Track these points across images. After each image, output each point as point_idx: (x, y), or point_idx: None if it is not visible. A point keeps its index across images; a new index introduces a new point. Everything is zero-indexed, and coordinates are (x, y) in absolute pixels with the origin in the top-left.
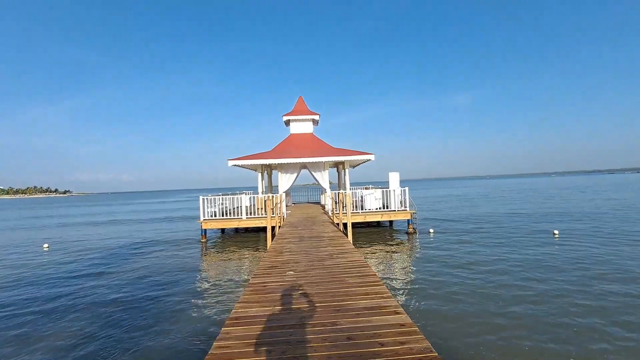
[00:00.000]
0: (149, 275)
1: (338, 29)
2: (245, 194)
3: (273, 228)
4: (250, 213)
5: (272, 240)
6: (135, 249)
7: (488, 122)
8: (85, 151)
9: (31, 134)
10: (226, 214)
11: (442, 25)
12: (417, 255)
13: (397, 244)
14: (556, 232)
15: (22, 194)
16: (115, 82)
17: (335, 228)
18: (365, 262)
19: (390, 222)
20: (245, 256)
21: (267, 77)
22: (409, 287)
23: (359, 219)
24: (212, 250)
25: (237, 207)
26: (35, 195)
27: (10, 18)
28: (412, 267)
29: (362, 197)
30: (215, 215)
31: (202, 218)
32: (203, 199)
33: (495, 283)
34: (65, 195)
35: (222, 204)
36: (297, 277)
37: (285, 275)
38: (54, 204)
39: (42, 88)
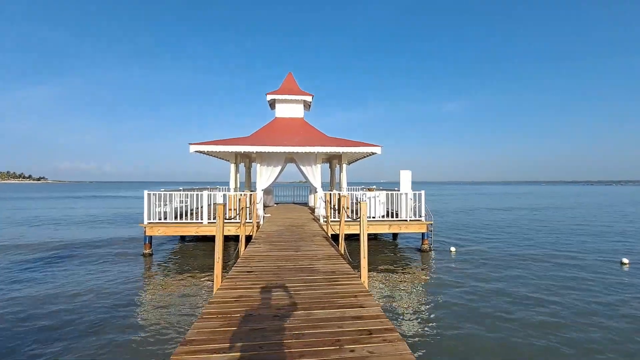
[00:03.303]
0: (33, 313)
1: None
2: (219, 190)
3: (235, 240)
4: (216, 217)
5: (223, 278)
6: (44, 261)
7: (474, 129)
8: (67, 139)
9: (10, 118)
10: (183, 216)
11: (433, 29)
12: (437, 284)
13: (407, 267)
14: (625, 260)
15: None
16: (105, 70)
17: (334, 249)
18: None
19: (394, 234)
20: (206, 282)
21: (262, 68)
22: (429, 337)
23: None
24: (158, 270)
25: (200, 207)
26: (8, 181)
27: None
28: (431, 302)
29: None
30: (166, 218)
31: (145, 221)
32: (149, 194)
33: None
34: (39, 182)
35: (181, 202)
36: None
37: None
38: (7, 193)
39: (24, 71)
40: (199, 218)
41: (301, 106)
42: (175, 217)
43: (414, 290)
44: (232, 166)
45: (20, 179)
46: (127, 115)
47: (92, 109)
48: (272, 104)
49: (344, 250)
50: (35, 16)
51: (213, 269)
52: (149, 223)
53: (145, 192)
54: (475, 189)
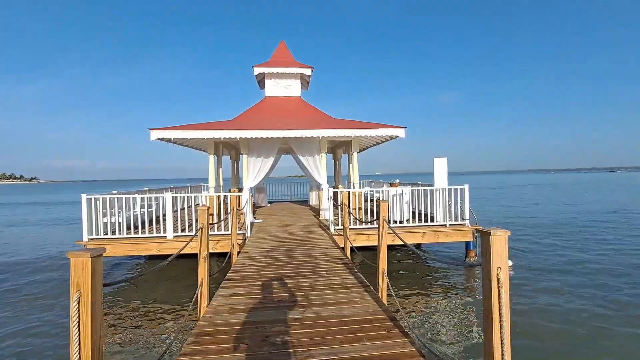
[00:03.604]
0: None
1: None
2: (189, 191)
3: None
4: (185, 228)
5: None
6: None
7: (468, 119)
8: (61, 136)
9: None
10: (146, 226)
11: (430, 27)
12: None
13: (453, 291)
14: None
15: None
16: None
17: (370, 296)
18: None
19: (418, 243)
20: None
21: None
22: None
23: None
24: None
25: (163, 215)
26: None
27: None
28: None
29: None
30: (117, 231)
31: (85, 237)
32: (88, 198)
33: None
34: (30, 182)
35: (142, 207)
36: None
37: None
38: None
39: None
40: (163, 230)
41: (298, 82)
42: (130, 229)
43: (458, 307)
44: (212, 158)
45: (10, 180)
46: (124, 109)
47: (84, 105)
48: (261, 80)
49: (381, 280)
50: (21, 8)
51: (190, 304)
52: (92, 240)
53: (84, 197)
54: (480, 180)
